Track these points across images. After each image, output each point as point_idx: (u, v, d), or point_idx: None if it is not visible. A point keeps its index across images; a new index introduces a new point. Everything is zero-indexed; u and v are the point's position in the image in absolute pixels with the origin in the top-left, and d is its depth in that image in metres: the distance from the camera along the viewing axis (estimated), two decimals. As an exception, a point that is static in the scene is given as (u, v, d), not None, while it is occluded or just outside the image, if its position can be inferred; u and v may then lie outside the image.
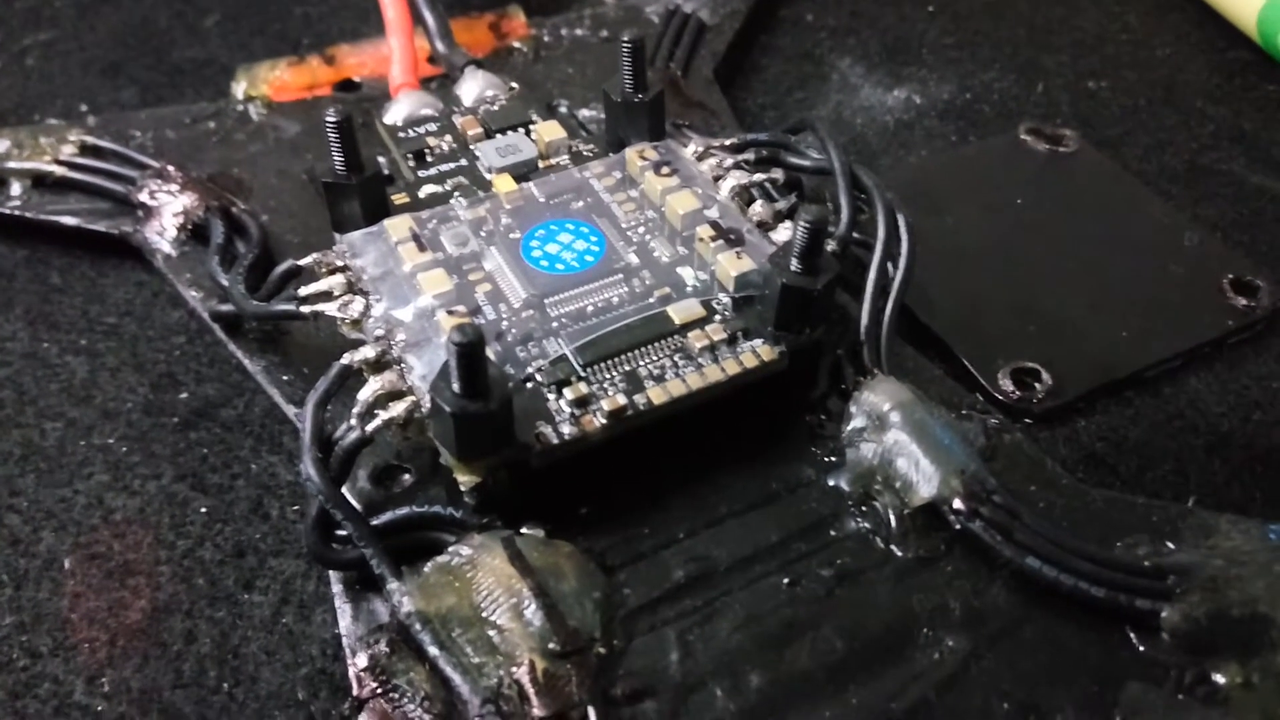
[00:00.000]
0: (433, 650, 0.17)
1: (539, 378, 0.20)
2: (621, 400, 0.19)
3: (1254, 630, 0.18)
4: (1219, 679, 0.17)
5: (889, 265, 0.23)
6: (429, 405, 0.18)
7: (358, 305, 0.21)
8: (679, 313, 0.21)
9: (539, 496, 0.19)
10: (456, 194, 0.24)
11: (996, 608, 0.19)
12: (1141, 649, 0.18)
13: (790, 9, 0.36)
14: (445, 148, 0.26)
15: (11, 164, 0.27)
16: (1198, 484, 0.22)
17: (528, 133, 0.26)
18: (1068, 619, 0.18)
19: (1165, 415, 0.23)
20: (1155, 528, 0.20)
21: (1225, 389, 0.24)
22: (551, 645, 0.17)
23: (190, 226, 0.25)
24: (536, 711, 0.17)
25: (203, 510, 0.22)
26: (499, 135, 0.26)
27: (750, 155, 0.25)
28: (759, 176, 0.24)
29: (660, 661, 0.18)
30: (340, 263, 0.22)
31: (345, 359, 0.20)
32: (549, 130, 0.26)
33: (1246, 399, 0.24)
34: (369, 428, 0.19)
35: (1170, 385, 0.24)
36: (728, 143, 0.25)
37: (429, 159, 0.26)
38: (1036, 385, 0.23)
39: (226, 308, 0.23)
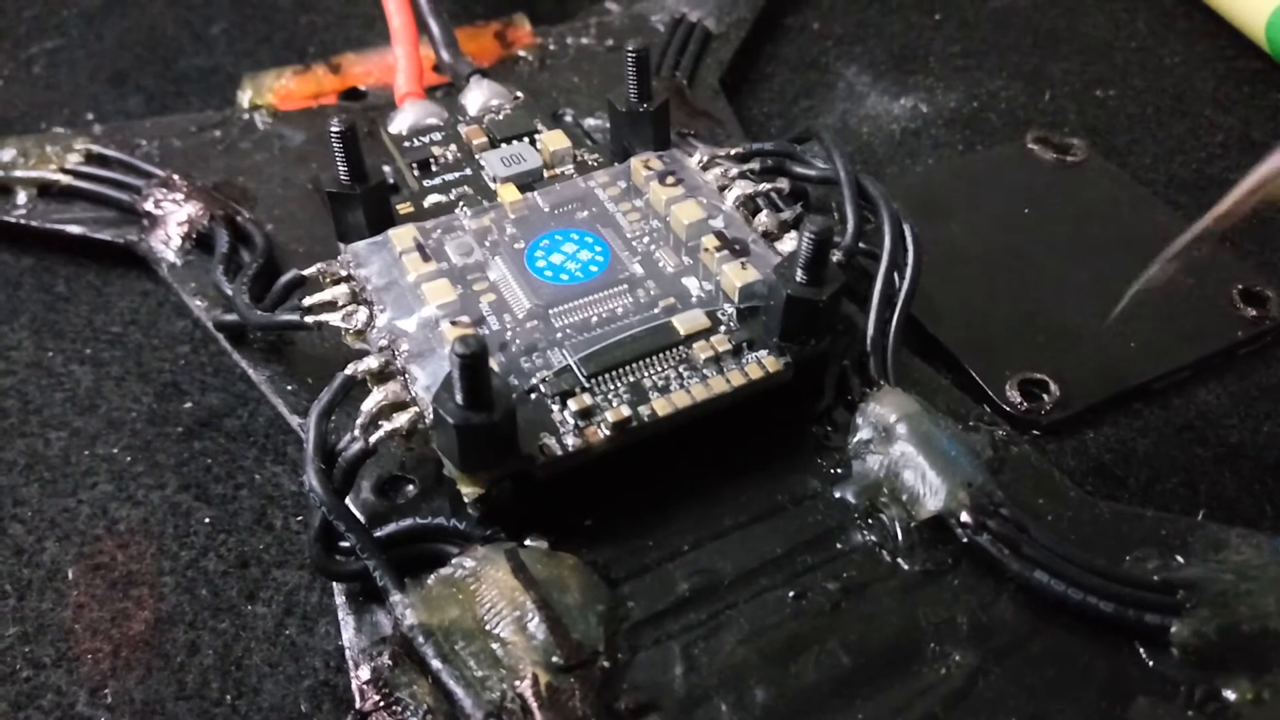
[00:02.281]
0: (435, 663, 0.17)
1: (543, 389, 0.20)
2: (626, 411, 0.19)
3: (1265, 646, 0.17)
4: (1229, 695, 0.17)
5: (895, 275, 0.23)
6: (432, 416, 0.18)
7: (362, 315, 0.21)
8: (684, 323, 0.21)
9: (543, 508, 0.19)
10: (461, 204, 0.24)
11: (1004, 622, 0.19)
12: (1150, 664, 0.18)
13: (796, 18, 0.36)
14: (450, 157, 0.26)
15: (17, 173, 0.27)
16: (1207, 497, 0.22)
17: (532, 142, 0.26)
18: (1076, 633, 0.18)
19: (1174, 427, 0.23)
20: (1164, 541, 0.19)
21: (1235, 400, 0.24)
22: (555, 658, 0.17)
23: (195, 235, 0.25)
24: (539, 726, 0.16)
25: (206, 521, 0.22)
26: (504, 144, 0.26)
27: (756, 165, 0.25)
28: (764, 186, 0.24)
29: (664, 675, 0.18)
30: (344, 272, 0.22)
31: (349, 369, 0.20)
32: (554, 139, 0.26)
33: (1256, 410, 0.23)
34: (372, 439, 0.19)
35: (1179, 396, 0.24)
36: (733, 152, 0.25)
37: (434, 168, 0.26)
38: (1044, 396, 0.23)
39: (231, 317, 0.23)
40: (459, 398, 0.17)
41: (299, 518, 0.22)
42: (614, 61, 0.32)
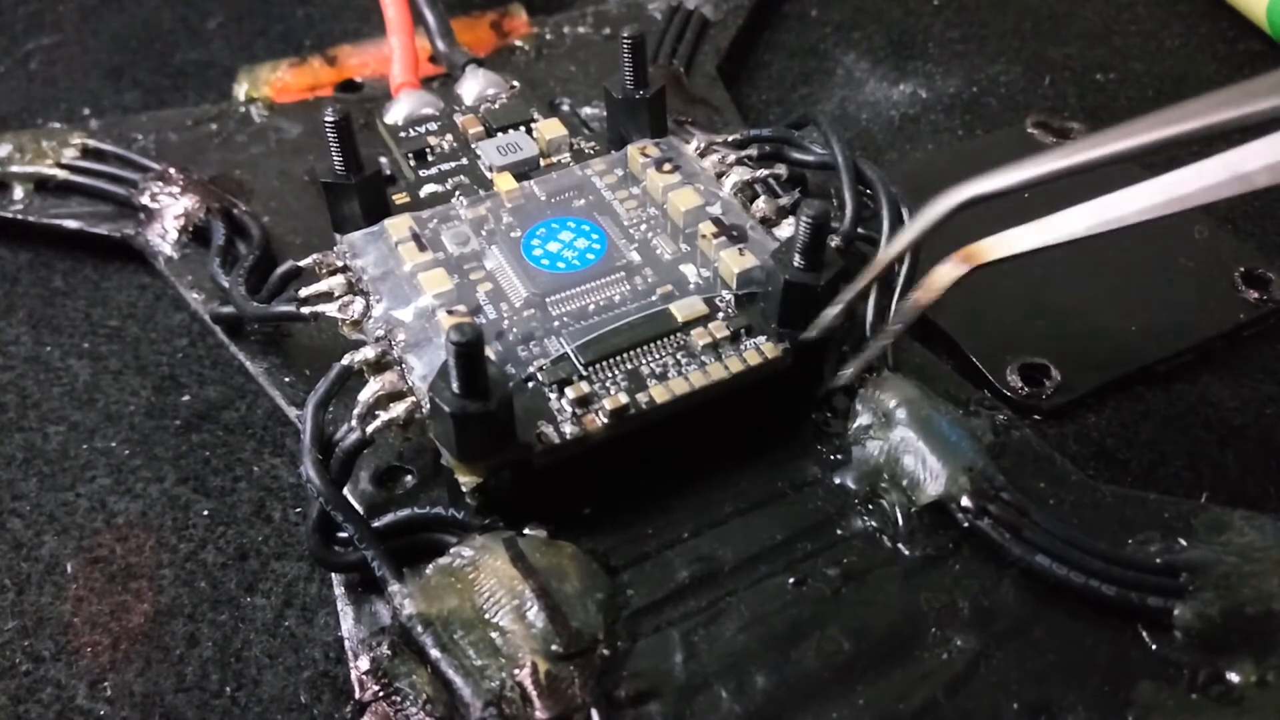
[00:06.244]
0: (434, 653, 0.17)
1: (540, 377, 0.20)
2: (624, 399, 0.19)
3: (1268, 628, 0.17)
4: (1233, 677, 0.17)
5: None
6: (429, 406, 0.18)
7: (358, 306, 0.21)
8: (681, 310, 0.21)
9: (541, 497, 0.19)
10: (457, 193, 0.24)
11: (1006, 606, 0.18)
12: (1154, 648, 0.18)
13: (794, 4, 0.36)
14: (446, 147, 0.26)
15: (14, 168, 0.27)
16: (1210, 479, 0.22)
17: (529, 131, 0.26)
18: (1078, 617, 0.18)
19: (1177, 410, 0.23)
20: (1167, 524, 0.19)
21: (1237, 383, 0.23)
22: (554, 647, 0.17)
23: (192, 228, 0.25)
24: (539, 714, 0.16)
25: (205, 513, 0.22)
26: (500, 134, 0.26)
27: (753, 151, 0.25)
28: (762, 172, 0.24)
29: (665, 663, 0.18)
30: (340, 263, 0.22)
31: (345, 360, 0.20)
32: (550, 128, 0.25)
33: (1259, 393, 0.23)
34: (369, 429, 0.19)
35: (1182, 380, 0.24)
36: (730, 139, 0.25)
37: (430, 158, 0.26)
38: (1045, 381, 0.23)
39: (228, 310, 0.23)
40: (455, 386, 0.17)
41: (298, 509, 0.22)
42: (611, 51, 0.32)
